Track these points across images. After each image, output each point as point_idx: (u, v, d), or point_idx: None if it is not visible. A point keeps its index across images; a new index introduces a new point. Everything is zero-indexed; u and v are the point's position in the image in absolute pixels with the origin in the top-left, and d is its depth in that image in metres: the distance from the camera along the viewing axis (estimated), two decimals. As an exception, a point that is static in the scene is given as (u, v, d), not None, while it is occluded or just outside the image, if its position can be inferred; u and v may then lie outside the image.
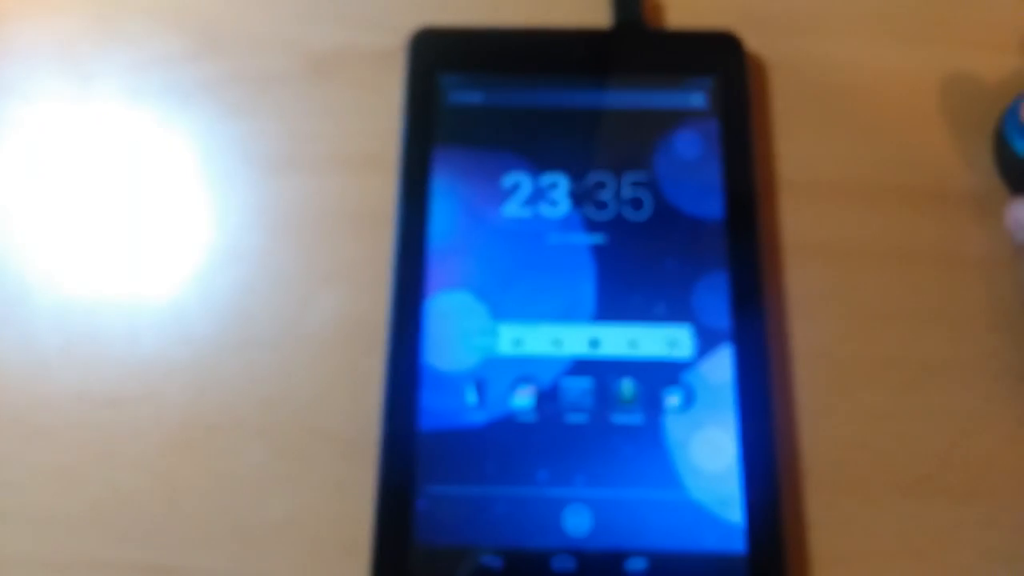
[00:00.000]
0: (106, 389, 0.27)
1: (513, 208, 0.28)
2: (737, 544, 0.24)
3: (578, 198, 0.28)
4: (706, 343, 0.26)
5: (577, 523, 0.25)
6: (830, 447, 0.26)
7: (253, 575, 0.25)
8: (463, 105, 0.29)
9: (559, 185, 0.28)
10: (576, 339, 0.26)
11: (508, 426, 0.26)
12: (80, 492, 0.26)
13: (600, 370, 0.26)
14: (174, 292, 0.28)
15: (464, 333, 0.26)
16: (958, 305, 0.27)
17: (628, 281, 0.27)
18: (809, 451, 0.26)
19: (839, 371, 0.27)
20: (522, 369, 0.26)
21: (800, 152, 0.29)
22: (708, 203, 0.27)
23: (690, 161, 0.28)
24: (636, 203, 0.28)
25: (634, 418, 0.26)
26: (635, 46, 0.30)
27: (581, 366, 0.26)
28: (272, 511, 0.26)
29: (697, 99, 0.29)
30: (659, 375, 0.26)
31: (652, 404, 0.26)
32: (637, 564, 0.24)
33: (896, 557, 0.25)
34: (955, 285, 0.28)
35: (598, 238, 0.27)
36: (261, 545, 0.25)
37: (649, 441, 0.25)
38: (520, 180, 0.28)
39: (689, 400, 0.26)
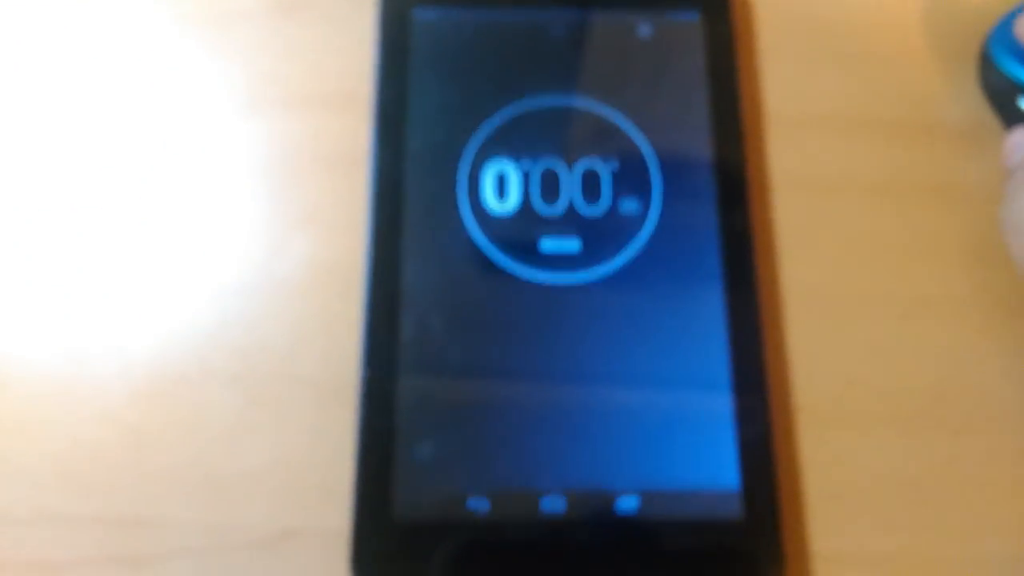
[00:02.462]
0: (68, 340, 0.25)
1: (493, 144, 0.27)
2: (730, 481, 0.23)
3: (560, 133, 0.27)
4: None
5: (567, 463, 0.24)
6: (823, 383, 0.25)
7: (227, 524, 0.24)
8: (439, 39, 0.27)
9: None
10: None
11: (492, 367, 0.25)
12: (42, 445, 0.24)
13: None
14: (137, 240, 0.27)
15: (444, 273, 0.25)
16: (949, 238, 0.27)
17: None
18: (802, 387, 0.25)
19: (831, 306, 0.26)
20: (505, 308, 0.25)
21: (787, 86, 0.28)
22: (694, 138, 0.27)
23: (675, 96, 0.27)
24: (621, 140, 0.27)
25: (622, 355, 0.25)
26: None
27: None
28: (247, 460, 0.24)
29: (682, 33, 0.28)
30: (647, 312, 0.25)
31: (640, 341, 0.25)
32: (628, 503, 0.23)
33: (891, 492, 0.24)
34: (946, 218, 0.27)
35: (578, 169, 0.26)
36: (235, 494, 0.24)
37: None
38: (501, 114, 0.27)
39: (678, 337, 0.25)
